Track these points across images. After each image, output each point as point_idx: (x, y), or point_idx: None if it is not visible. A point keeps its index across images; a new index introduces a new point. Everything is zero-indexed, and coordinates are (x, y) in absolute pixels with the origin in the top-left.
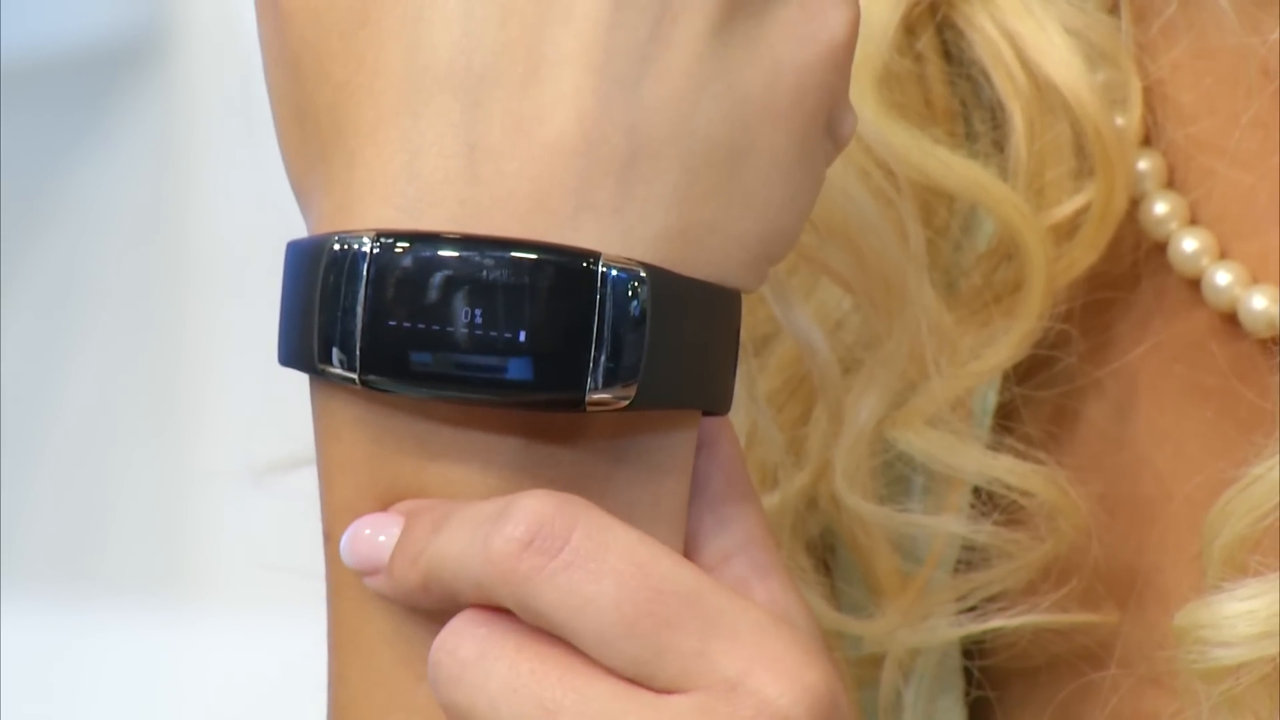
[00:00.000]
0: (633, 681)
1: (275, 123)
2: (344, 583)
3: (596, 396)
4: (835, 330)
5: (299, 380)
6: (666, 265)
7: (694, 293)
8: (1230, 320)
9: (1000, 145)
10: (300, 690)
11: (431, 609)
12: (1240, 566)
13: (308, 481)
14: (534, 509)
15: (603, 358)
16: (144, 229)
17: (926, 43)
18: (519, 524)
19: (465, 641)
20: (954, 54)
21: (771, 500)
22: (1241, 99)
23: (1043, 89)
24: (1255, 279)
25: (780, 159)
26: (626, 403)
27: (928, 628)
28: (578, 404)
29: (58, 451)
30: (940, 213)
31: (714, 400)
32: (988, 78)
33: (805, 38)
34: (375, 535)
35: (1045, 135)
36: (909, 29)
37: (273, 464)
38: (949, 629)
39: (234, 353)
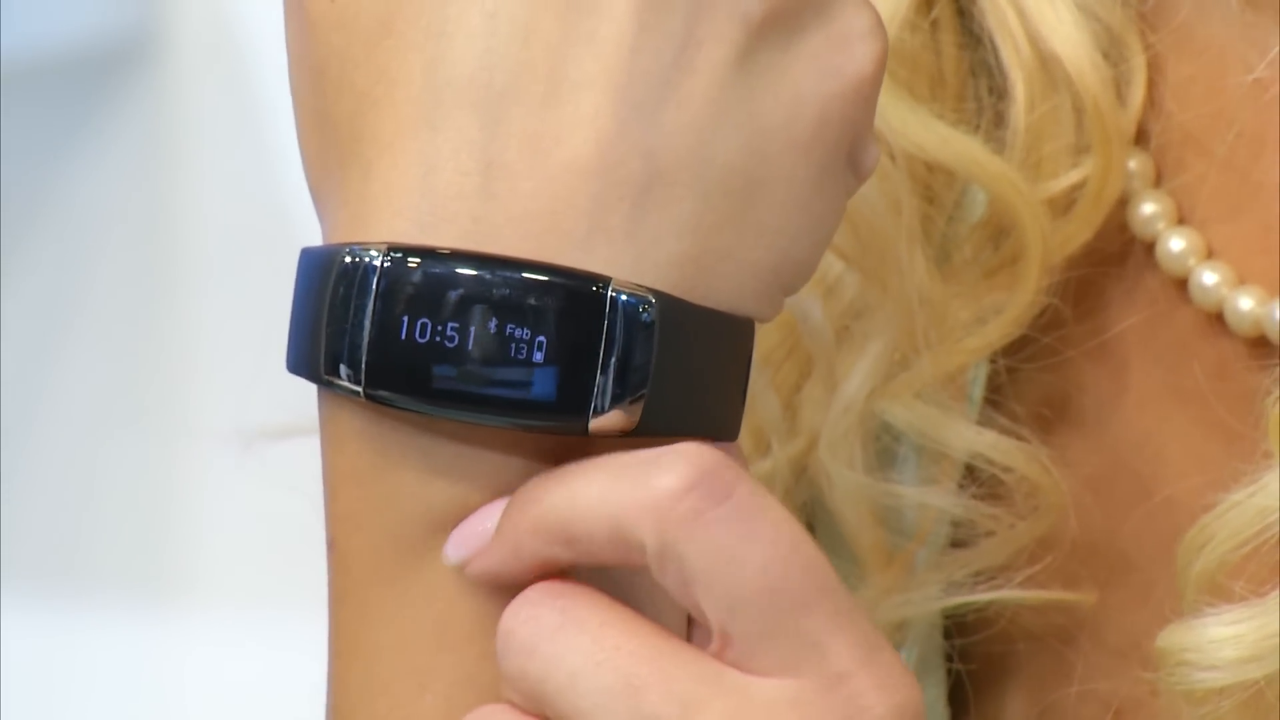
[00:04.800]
0: (730, 658)
1: (296, 127)
2: (346, 590)
3: (601, 421)
4: (828, 295)
5: (295, 382)
6: (678, 292)
7: (704, 321)
8: (1216, 320)
9: (1003, 116)
10: (297, 693)
11: (507, 581)
12: (1219, 591)
13: (306, 485)
14: (702, 457)
15: (609, 382)
16: (137, 230)
17: (941, 10)
18: (688, 467)
19: (545, 611)
20: (965, 24)
21: (763, 466)
22: (1233, 101)
23: (1046, 61)
24: (1242, 280)
25: (798, 190)
26: (631, 428)
27: (906, 601)
28: (582, 428)
29: (52, 452)
30: (935, 186)
31: (721, 429)
32: (995, 48)
33: (830, 70)
34: (484, 521)
35: (1045, 108)
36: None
37: (265, 430)
38: (926, 602)
39: (229, 354)
